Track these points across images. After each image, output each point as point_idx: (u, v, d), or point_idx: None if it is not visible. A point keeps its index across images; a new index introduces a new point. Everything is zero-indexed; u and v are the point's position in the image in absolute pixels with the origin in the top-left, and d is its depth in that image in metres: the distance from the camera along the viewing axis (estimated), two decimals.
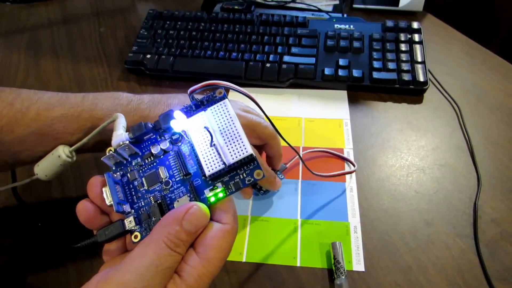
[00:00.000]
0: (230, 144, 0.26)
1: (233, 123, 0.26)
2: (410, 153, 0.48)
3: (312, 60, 0.57)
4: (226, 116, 0.27)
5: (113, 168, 0.29)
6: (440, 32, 0.65)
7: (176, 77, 0.58)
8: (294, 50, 0.58)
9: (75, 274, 0.39)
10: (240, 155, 0.25)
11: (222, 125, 0.27)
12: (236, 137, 0.26)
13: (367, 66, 0.56)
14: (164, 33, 0.62)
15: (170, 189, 0.28)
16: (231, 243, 0.26)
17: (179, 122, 0.26)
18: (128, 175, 0.29)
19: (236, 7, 0.68)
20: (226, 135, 0.26)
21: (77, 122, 0.35)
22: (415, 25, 0.60)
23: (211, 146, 0.26)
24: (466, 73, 0.57)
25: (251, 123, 0.38)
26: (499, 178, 0.44)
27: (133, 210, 0.28)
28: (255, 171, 0.26)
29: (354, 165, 0.46)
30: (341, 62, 0.56)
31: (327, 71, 0.55)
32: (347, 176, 0.46)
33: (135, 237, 0.27)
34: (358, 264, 0.38)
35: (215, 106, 0.27)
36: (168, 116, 0.28)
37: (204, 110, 0.27)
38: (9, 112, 0.34)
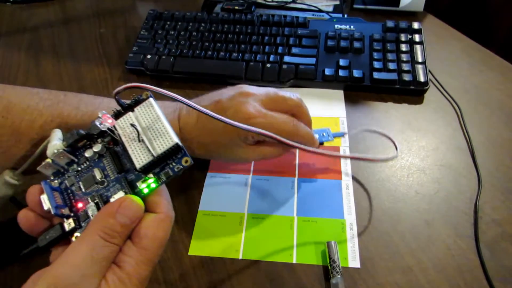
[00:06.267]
0: (158, 138, 0.28)
1: (159, 119, 0.29)
2: (410, 153, 0.48)
3: (312, 60, 0.57)
4: (152, 114, 0.29)
5: (51, 178, 0.31)
6: (441, 33, 0.65)
7: (176, 78, 0.58)
8: (294, 50, 0.58)
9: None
10: (167, 145, 0.28)
11: (149, 122, 0.29)
12: (162, 131, 0.28)
13: (367, 66, 0.56)
14: (165, 34, 0.62)
15: (106, 188, 0.29)
16: (167, 230, 0.27)
17: (108, 125, 0.28)
18: (66, 181, 0.30)
19: (236, 7, 0.68)
20: (154, 130, 0.28)
21: None
22: (415, 25, 0.60)
23: (139, 141, 0.28)
24: (467, 73, 0.57)
25: (275, 97, 0.40)
26: (499, 179, 0.44)
27: (72, 213, 0.29)
28: (183, 158, 0.28)
29: (396, 148, 0.47)
30: (342, 62, 0.56)
31: (327, 71, 0.55)
32: (344, 174, 0.46)
33: (76, 238, 0.28)
34: (353, 260, 0.39)
35: (141, 105, 0.30)
36: (98, 120, 0.30)
37: (132, 111, 0.30)
38: None
